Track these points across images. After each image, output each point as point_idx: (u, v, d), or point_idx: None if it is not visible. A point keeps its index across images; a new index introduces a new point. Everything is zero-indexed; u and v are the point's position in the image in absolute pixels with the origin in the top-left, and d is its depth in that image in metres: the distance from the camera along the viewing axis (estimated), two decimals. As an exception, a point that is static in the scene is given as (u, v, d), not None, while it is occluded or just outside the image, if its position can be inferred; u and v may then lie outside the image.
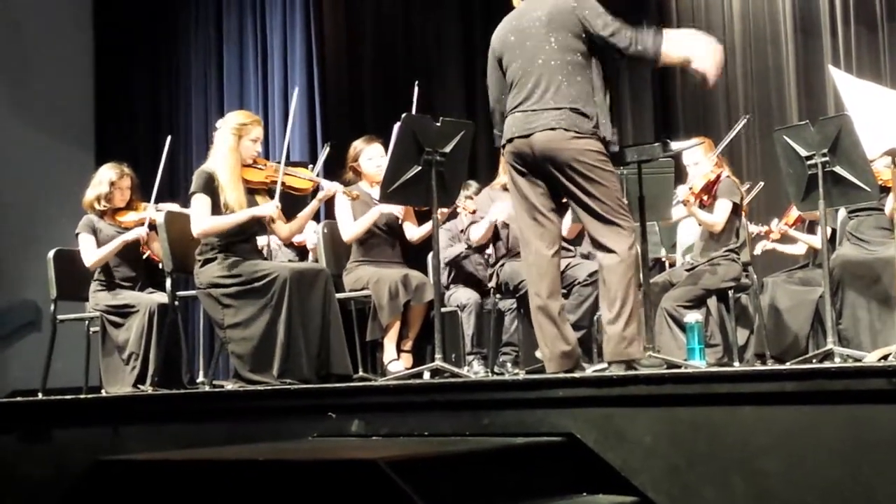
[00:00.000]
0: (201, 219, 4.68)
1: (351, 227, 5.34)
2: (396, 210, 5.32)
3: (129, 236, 5.35)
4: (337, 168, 5.71)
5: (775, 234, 5.99)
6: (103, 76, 9.15)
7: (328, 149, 5.99)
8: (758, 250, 5.89)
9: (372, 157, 5.39)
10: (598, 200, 3.82)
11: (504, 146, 4.00)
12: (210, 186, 4.71)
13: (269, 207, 4.75)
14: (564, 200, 3.98)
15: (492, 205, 5.32)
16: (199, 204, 4.69)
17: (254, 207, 4.74)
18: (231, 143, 4.77)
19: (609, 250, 3.81)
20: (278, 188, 4.79)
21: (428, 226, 5.38)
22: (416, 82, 5.48)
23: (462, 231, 6.11)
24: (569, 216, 4.76)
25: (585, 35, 3.87)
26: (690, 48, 3.88)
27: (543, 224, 3.95)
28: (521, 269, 5.00)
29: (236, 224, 4.69)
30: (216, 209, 4.70)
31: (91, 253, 5.34)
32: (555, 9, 3.90)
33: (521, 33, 3.96)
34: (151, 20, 9.17)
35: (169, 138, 5.63)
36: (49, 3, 8.75)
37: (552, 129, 3.81)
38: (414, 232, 5.47)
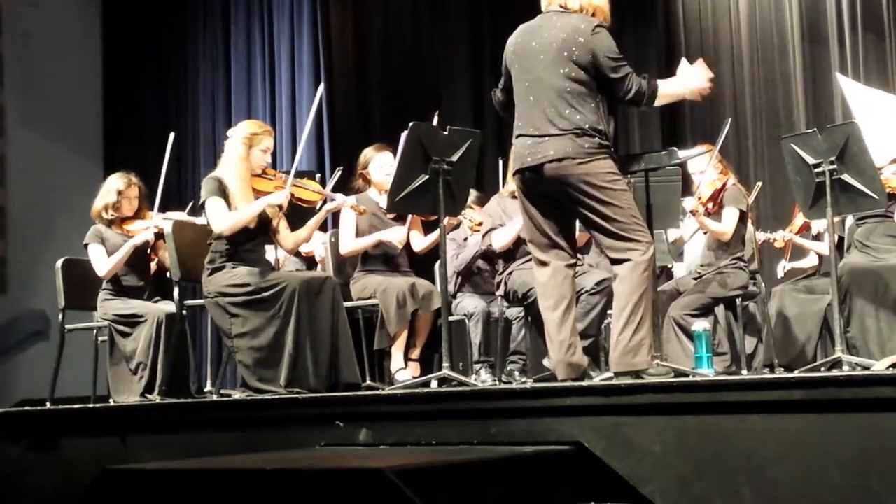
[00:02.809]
0: (222, 217, 4.67)
1: (350, 242, 5.37)
2: (395, 238, 5.31)
3: (138, 240, 5.33)
4: (346, 177, 5.70)
5: (780, 242, 5.97)
6: (112, 86, 9.17)
7: (339, 173, 5.82)
8: (780, 272, 5.90)
9: (382, 164, 5.39)
10: (612, 220, 3.83)
11: (514, 175, 4.03)
12: (221, 190, 4.71)
13: (280, 196, 4.70)
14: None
15: (502, 213, 5.32)
16: (216, 205, 4.68)
17: (267, 196, 4.70)
18: (241, 152, 4.77)
19: (624, 261, 3.83)
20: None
21: (431, 237, 5.38)
22: (437, 112, 5.36)
23: (465, 239, 6.09)
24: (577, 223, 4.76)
25: (594, 66, 3.87)
26: (682, 85, 4.03)
27: (558, 243, 3.99)
28: (529, 279, 5.00)
29: (255, 213, 4.68)
30: None
31: (103, 262, 5.33)
32: (569, 36, 3.88)
33: (532, 50, 3.96)
34: (159, 31, 9.20)
35: (172, 135, 5.47)
36: (58, 14, 8.77)
37: (559, 159, 3.83)
38: (420, 242, 5.46)
